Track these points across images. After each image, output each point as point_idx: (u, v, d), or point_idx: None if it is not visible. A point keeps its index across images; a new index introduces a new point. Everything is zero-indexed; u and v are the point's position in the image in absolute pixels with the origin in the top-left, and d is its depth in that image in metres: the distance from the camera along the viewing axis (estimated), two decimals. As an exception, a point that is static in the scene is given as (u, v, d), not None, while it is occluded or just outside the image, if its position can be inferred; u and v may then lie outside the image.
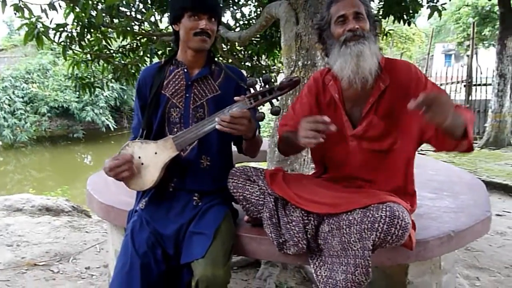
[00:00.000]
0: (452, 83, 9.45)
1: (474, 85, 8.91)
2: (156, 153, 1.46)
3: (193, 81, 1.57)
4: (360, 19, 1.42)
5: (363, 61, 1.37)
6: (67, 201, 4.39)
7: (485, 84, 8.98)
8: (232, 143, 1.69)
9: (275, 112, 1.37)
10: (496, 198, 4.29)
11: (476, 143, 7.70)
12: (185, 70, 1.57)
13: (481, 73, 9.19)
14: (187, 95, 1.56)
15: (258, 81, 1.44)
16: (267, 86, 1.37)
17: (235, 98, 1.37)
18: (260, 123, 1.53)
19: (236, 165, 1.72)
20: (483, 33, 15.78)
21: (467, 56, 11.18)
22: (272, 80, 1.41)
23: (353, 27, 1.39)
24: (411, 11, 3.87)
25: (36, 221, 3.50)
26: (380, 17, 4.01)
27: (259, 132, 1.57)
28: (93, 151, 14.99)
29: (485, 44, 17.30)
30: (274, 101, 1.41)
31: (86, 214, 4.16)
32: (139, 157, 1.48)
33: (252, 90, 1.37)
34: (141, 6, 3.90)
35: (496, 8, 9.24)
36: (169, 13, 1.59)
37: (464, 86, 8.92)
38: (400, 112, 1.45)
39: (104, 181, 2.26)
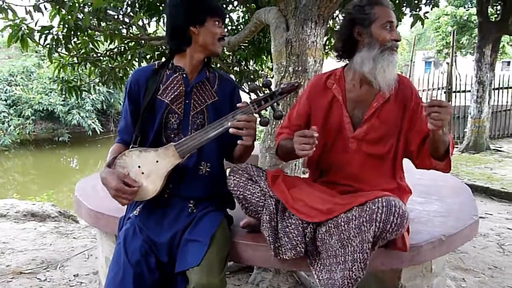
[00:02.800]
0: (433, 89, 9.65)
1: (454, 91, 9.13)
2: (157, 161, 1.43)
3: (192, 87, 1.55)
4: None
5: (393, 69, 1.45)
6: (53, 206, 4.31)
7: (464, 91, 9.21)
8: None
9: (278, 116, 1.38)
10: (478, 201, 4.38)
11: (456, 147, 7.89)
12: (184, 76, 1.55)
13: (460, 80, 9.43)
14: (187, 101, 1.54)
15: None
16: (267, 90, 1.38)
17: (238, 104, 1.39)
18: None
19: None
20: (461, 42, 16.24)
21: (447, 63, 11.41)
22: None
23: (398, 37, 1.46)
24: (395, 19, 3.97)
25: (21, 227, 3.43)
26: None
27: None
28: (79, 154, 14.80)
29: (463, 52, 17.77)
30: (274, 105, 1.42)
31: (73, 219, 4.10)
32: (139, 166, 1.44)
33: (253, 95, 1.38)
34: (129, 9, 3.88)
35: (473, 17, 9.50)
36: (182, 14, 1.48)
37: (445, 92, 9.12)
38: (397, 123, 1.52)
39: (93, 186, 2.23)
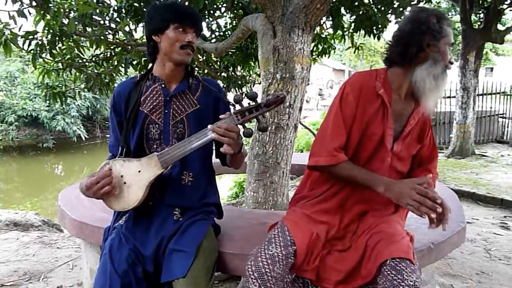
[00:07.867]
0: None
1: (439, 97, 9.31)
2: (139, 171, 1.40)
3: (171, 97, 1.52)
4: None
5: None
6: (37, 215, 4.22)
7: (449, 97, 9.38)
8: (213, 157, 1.65)
9: (262, 128, 1.35)
10: (464, 206, 4.44)
11: (442, 153, 8.01)
12: (163, 85, 1.52)
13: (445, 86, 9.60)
14: (166, 111, 1.51)
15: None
16: (253, 102, 1.35)
17: (221, 116, 1.34)
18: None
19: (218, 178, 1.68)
20: (445, 48, 16.45)
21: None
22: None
23: (452, 61, 1.41)
24: (380, 26, 4.05)
25: (3, 237, 3.34)
26: (352, 31, 4.18)
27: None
28: (64, 161, 14.61)
29: (447, 59, 18.06)
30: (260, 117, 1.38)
31: (57, 228, 4.01)
32: (122, 176, 1.42)
33: (238, 106, 1.35)
34: (115, 15, 3.84)
35: (457, 25, 9.69)
36: (147, 23, 1.51)
37: (430, 98, 9.29)
38: (419, 142, 1.50)
39: (77, 195, 2.18)
